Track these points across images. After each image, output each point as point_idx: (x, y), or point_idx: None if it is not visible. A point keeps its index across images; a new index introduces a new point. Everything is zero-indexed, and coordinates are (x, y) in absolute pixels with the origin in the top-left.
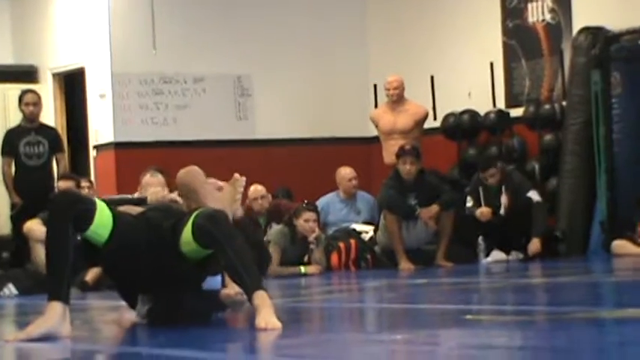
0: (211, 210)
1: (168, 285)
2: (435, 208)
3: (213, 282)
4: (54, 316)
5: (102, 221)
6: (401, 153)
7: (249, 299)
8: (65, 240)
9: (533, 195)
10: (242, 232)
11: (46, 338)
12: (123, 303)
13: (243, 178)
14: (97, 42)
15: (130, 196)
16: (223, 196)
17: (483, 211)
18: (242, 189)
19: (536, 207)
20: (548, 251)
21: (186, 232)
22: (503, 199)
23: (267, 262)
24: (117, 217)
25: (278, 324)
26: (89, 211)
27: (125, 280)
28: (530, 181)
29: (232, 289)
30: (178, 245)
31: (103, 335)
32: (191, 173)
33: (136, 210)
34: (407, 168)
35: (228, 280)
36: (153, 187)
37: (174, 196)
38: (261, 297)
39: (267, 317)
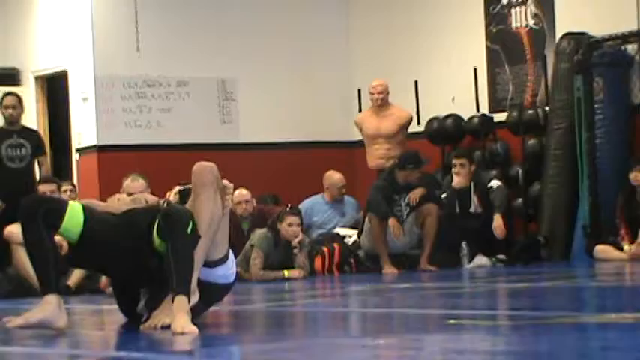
0: (174, 206)
1: (149, 280)
2: (420, 190)
3: (222, 276)
4: (50, 307)
5: (73, 220)
6: (405, 166)
7: (172, 299)
8: (40, 237)
9: (493, 183)
10: None
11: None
12: (104, 307)
13: (231, 185)
14: (80, 45)
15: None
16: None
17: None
18: (229, 196)
19: (494, 191)
20: (530, 256)
21: (156, 228)
22: (474, 199)
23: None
24: (89, 217)
25: (194, 329)
26: (57, 210)
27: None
28: (513, 186)
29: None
30: (153, 241)
31: (84, 339)
32: (201, 171)
33: (122, 209)
34: (406, 177)
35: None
36: (134, 192)
37: (148, 197)
38: (179, 301)
39: (182, 322)
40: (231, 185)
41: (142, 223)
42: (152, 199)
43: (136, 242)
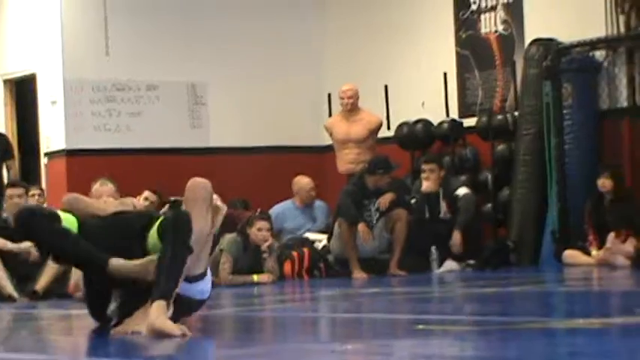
0: (181, 211)
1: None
2: (390, 195)
3: (199, 291)
4: (130, 265)
5: (68, 223)
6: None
7: (152, 301)
8: (59, 228)
9: (460, 190)
10: None
11: None
12: (72, 312)
13: (224, 206)
14: (48, 48)
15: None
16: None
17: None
18: (220, 216)
19: (460, 199)
20: (500, 261)
21: (155, 226)
22: (443, 205)
23: None
24: (81, 219)
25: (174, 328)
26: (53, 213)
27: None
28: (482, 191)
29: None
30: (146, 240)
31: (52, 345)
32: (194, 187)
33: (107, 210)
34: (376, 181)
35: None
36: (104, 196)
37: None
38: (158, 306)
39: (162, 320)
40: (224, 206)
41: (136, 225)
42: (140, 204)
43: (127, 242)
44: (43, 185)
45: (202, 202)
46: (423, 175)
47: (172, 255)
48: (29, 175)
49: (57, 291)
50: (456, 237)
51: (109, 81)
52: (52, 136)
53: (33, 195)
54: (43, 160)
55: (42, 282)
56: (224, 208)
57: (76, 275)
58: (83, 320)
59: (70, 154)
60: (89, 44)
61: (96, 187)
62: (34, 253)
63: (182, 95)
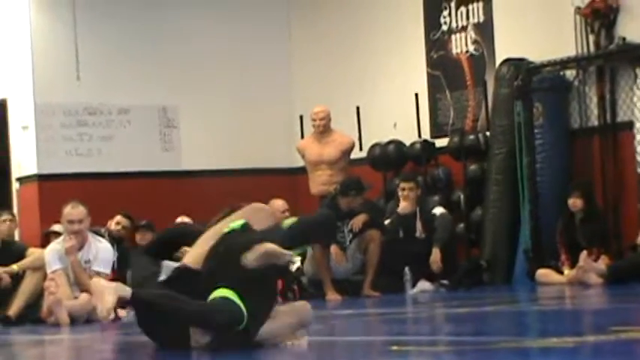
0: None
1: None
2: (363, 216)
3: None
4: None
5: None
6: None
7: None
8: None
9: (437, 210)
10: None
11: None
12: (45, 337)
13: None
14: (19, 73)
15: None
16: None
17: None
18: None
19: (438, 219)
20: (473, 280)
21: (218, 293)
22: (419, 225)
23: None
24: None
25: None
26: None
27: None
28: (455, 211)
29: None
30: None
31: None
32: (309, 311)
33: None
34: (349, 203)
35: None
36: (73, 218)
37: None
38: (122, 285)
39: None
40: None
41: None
42: None
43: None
44: (15, 210)
45: (303, 323)
46: (402, 194)
47: (193, 307)
48: (1, 200)
49: (30, 316)
50: (436, 254)
51: (80, 105)
52: (24, 161)
53: (4, 220)
54: (15, 185)
55: (15, 307)
56: (304, 339)
57: (48, 300)
58: (57, 346)
59: (41, 178)
60: (60, 69)
61: (67, 210)
62: (6, 278)
63: (153, 119)
